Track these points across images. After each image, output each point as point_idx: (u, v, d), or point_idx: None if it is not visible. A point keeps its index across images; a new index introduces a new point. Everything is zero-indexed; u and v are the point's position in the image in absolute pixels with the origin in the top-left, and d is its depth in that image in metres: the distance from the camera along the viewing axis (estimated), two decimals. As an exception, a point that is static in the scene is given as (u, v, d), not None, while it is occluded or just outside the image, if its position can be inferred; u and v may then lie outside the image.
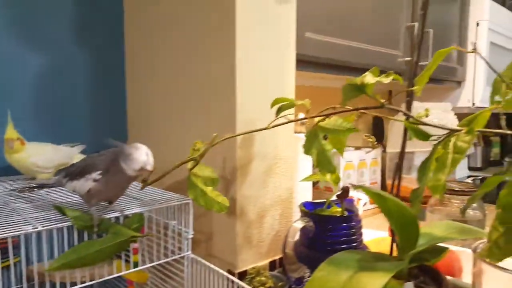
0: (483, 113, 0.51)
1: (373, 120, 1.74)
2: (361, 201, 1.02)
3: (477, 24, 1.55)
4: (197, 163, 0.56)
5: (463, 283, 0.64)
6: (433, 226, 0.59)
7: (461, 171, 2.10)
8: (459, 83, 1.58)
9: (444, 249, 0.58)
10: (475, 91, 1.54)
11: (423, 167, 0.50)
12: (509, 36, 1.69)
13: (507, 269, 0.47)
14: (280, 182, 0.73)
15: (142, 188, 0.59)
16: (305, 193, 0.85)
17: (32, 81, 0.83)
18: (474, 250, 0.54)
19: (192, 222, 0.59)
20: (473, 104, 1.55)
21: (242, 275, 0.66)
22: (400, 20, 1.17)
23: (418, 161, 1.55)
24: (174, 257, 0.60)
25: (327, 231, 0.64)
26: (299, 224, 0.62)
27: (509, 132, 0.50)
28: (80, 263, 0.48)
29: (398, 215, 0.50)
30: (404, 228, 0.50)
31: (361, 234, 0.68)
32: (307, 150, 0.54)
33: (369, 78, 0.49)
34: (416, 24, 1.22)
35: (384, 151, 1.49)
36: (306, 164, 0.81)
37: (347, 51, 0.95)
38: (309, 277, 0.65)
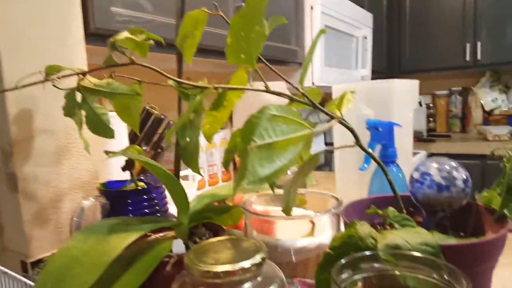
0: (237, 73, 0.54)
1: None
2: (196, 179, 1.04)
3: (311, 8, 1.67)
4: None
5: (238, 232, 0.68)
6: (220, 187, 0.63)
7: (317, 146, 2.28)
8: (300, 64, 1.69)
9: (229, 208, 0.61)
10: (314, 71, 1.67)
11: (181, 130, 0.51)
12: (341, 19, 1.86)
13: (253, 212, 0.51)
14: (79, 163, 0.69)
15: None
16: (122, 174, 0.83)
17: None
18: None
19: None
20: (313, 83, 1.68)
21: (37, 264, 0.62)
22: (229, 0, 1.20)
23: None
24: None
25: (124, 205, 0.63)
26: (87, 203, 0.60)
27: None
28: None
29: (168, 181, 0.51)
30: (175, 192, 0.51)
31: (165, 205, 0.68)
32: (67, 111, 0.51)
33: (121, 35, 0.48)
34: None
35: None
36: (120, 142, 0.79)
37: (164, 28, 0.94)
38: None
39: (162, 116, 1.02)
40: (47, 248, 0.64)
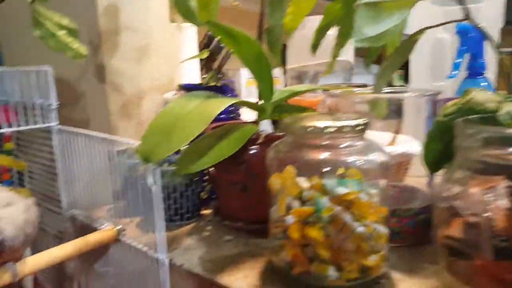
0: None
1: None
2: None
3: None
4: None
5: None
6: (296, 86, 0.61)
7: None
8: None
9: (305, 109, 0.59)
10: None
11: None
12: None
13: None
14: (158, 65, 0.69)
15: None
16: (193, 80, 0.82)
17: None
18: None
19: (55, 92, 0.55)
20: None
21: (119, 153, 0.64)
22: None
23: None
24: (38, 126, 0.56)
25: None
26: (170, 96, 0.60)
27: None
28: None
29: (253, 58, 0.49)
30: (260, 73, 0.50)
31: (239, 115, 0.68)
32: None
33: None
34: None
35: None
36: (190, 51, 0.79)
37: None
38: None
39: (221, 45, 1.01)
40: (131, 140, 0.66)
